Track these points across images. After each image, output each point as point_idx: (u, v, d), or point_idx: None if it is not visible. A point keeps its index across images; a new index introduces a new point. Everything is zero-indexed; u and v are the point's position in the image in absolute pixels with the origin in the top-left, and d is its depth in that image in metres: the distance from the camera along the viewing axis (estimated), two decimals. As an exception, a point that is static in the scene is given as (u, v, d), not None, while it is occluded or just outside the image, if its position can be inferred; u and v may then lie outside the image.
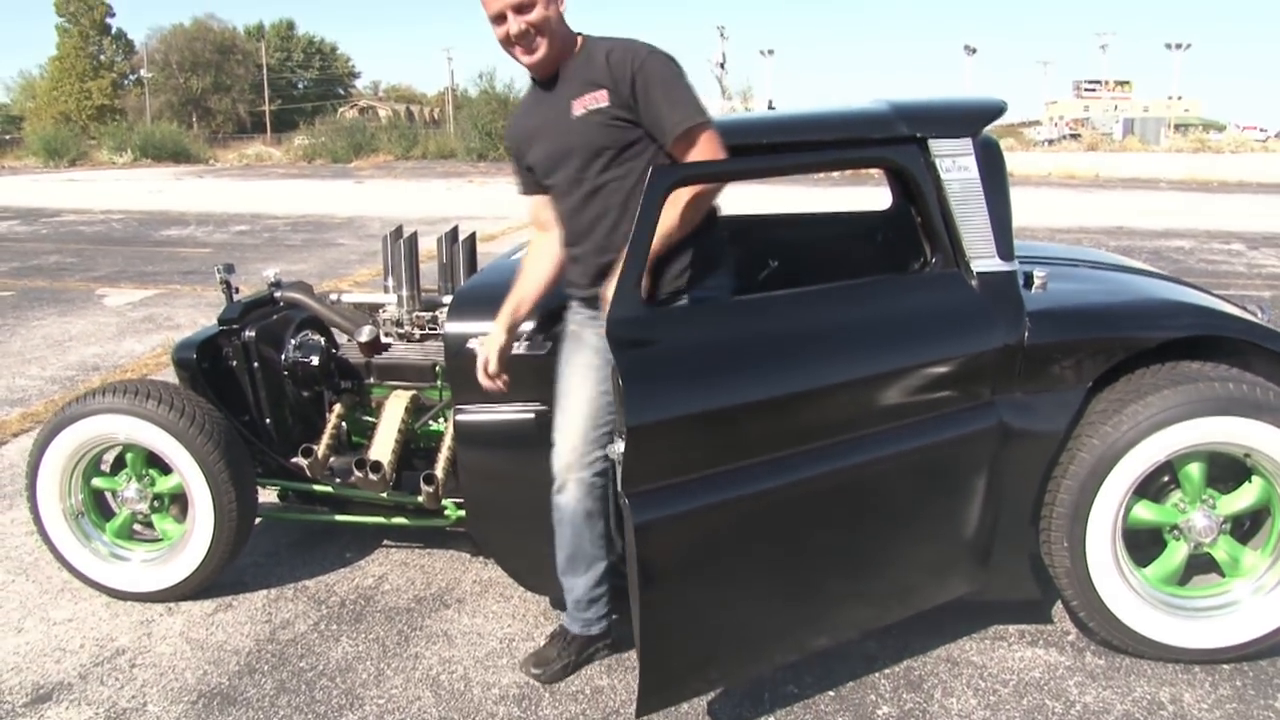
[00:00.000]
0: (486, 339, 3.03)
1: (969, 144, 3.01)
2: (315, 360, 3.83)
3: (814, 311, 2.84)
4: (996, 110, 3.14)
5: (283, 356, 3.88)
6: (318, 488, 3.79)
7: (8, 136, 55.52)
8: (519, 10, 2.68)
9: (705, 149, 2.67)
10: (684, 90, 2.69)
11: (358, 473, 3.52)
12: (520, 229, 14.00)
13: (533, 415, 3.14)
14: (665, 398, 2.50)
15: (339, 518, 3.88)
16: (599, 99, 2.69)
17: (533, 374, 3.10)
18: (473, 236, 3.97)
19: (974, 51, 59.39)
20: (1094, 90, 76.83)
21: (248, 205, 19.42)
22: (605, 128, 2.71)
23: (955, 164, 2.99)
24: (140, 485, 3.61)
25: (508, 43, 2.74)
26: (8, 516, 4.41)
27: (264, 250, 12.96)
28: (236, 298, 4.01)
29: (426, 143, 39.11)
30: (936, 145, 2.99)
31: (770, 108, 40.71)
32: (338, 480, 3.74)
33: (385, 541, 4.08)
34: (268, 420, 3.88)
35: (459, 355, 3.13)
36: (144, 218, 17.46)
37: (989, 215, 3.00)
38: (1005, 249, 3.01)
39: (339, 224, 16.01)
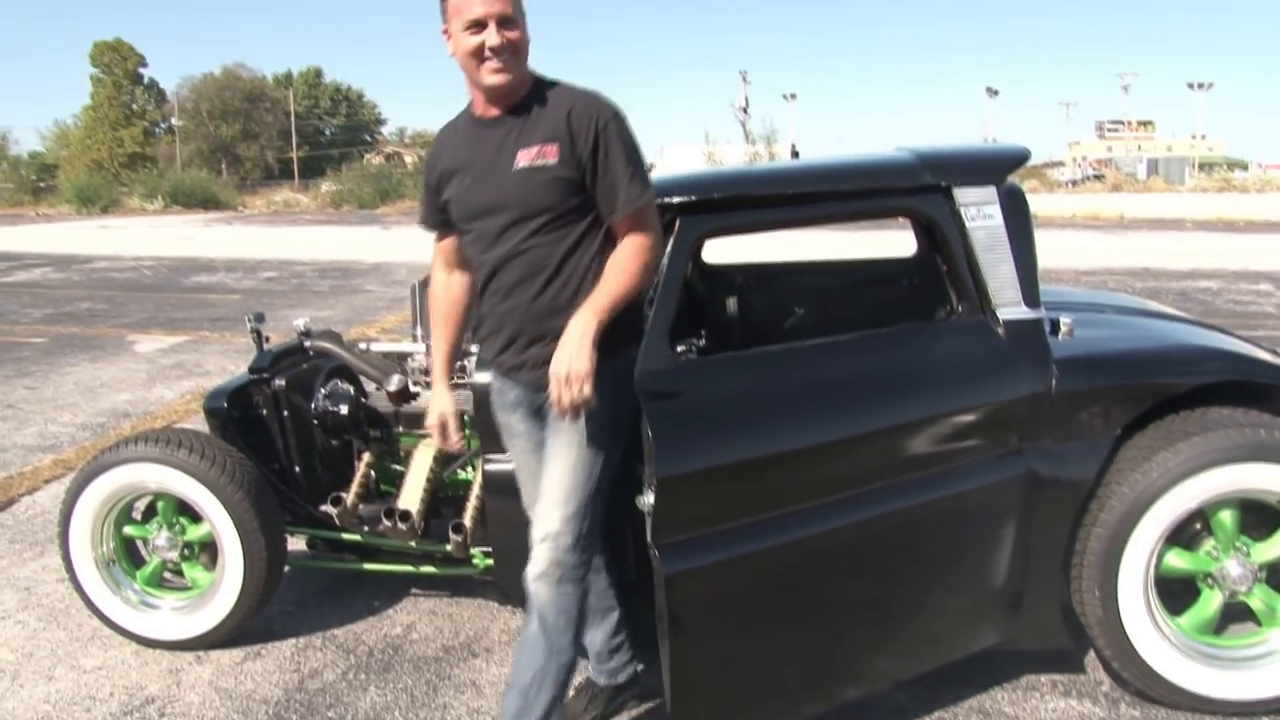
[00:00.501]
0: (433, 403, 2.89)
1: (994, 192, 3.02)
2: (344, 409, 3.87)
3: (841, 361, 2.85)
4: (1020, 158, 3.16)
5: (312, 405, 3.91)
6: (346, 536, 3.81)
7: (42, 184, 56.52)
8: (504, 23, 2.45)
9: (652, 225, 2.54)
10: (641, 162, 2.53)
11: (386, 522, 3.54)
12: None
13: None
14: (694, 449, 2.51)
15: (367, 566, 3.89)
16: (548, 154, 2.47)
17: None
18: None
19: (996, 94, 59.64)
20: (1117, 130, 76.80)
21: (276, 251, 19.66)
22: (547, 187, 2.49)
23: (980, 212, 3.00)
24: (171, 533, 3.64)
25: (478, 54, 2.46)
26: (39, 564, 4.45)
27: (292, 297, 13.10)
28: (266, 346, 4.06)
29: (452, 188, 39.32)
30: (961, 194, 3.00)
31: (794, 153, 40.91)
32: (366, 529, 3.76)
33: (413, 590, 4.09)
34: (297, 468, 3.92)
35: (487, 405, 3.15)
36: (174, 264, 17.70)
37: (1015, 263, 3.01)
38: (1031, 296, 3.01)
39: (366, 270, 16.17)
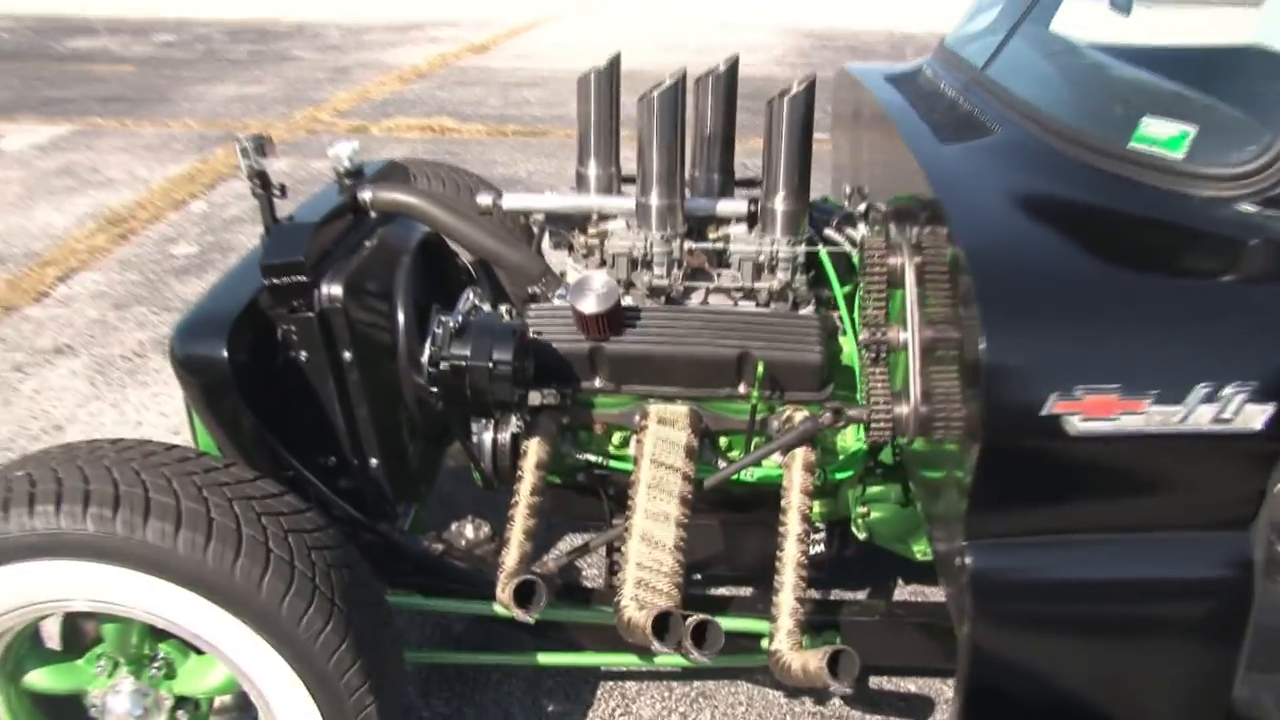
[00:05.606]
0: None
1: None
2: (508, 361, 1.74)
3: None
4: None
5: (429, 345, 1.83)
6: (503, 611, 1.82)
7: None
8: None
9: None
10: None
11: (620, 617, 1.54)
12: (516, 33, 11.49)
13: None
14: None
15: (542, 659, 1.92)
16: None
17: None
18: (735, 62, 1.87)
19: None
20: None
21: (165, 8, 16.39)
22: None
23: None
24: (141, 683, 1.59)
25: None
26: None
27: (202, 68, 10.37)
28: (280, 203, 1.90)
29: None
30: None
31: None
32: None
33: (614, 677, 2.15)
34: (374, 461, 1.88)
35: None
36: (37, 24, 14.43)
37: None
38: None
39: (287, 32, 13.29)
